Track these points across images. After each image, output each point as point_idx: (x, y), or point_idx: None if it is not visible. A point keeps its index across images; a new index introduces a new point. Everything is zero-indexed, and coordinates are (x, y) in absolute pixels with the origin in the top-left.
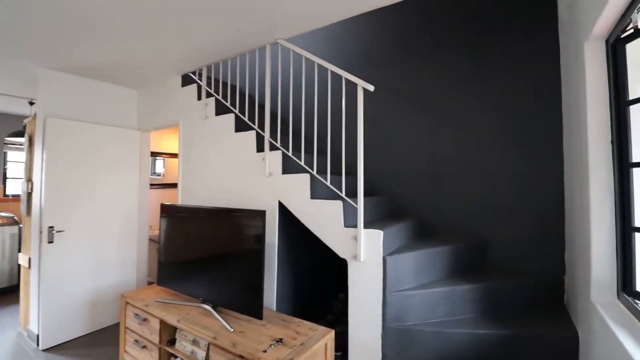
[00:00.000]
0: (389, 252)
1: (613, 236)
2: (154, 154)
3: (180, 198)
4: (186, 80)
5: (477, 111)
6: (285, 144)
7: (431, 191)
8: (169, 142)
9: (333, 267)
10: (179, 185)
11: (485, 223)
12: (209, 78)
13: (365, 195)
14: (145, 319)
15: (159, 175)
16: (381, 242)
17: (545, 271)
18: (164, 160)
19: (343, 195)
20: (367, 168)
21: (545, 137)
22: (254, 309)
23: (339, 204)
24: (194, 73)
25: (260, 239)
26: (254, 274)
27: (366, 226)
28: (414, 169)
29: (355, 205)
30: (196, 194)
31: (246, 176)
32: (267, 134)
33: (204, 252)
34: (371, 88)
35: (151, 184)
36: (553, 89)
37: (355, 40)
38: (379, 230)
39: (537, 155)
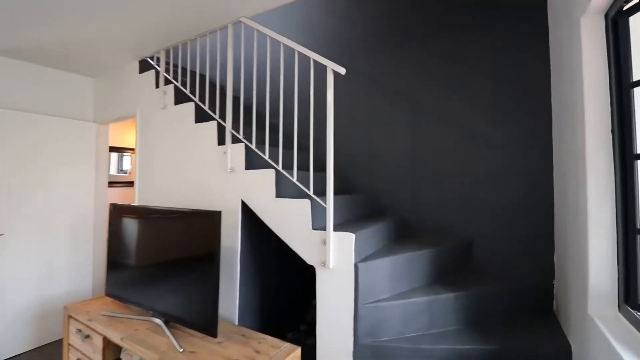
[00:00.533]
0: (363, 258)
1: (614, 239)
2: (120, 150)
3: (137, 198)
4: (144, 66)
5: (459, 102)
6: (249, 136)
7: (412, 188)
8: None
9: (307, 271)
10: (136, 184)
11: (470, 222)
12: (168, 64)
13: (339, 193)
14: (87, 336)
15: (126, 173)
16: (353, 246)
17: (533, 274)
18: (131, 156)
19: (311, 193)
20: (343, 164)
21: (532, 129)
22: (208, 325)
23: (306, 203)
24: (152, 58)
25: (215, 244)
26: (208, 285)
27: (337, 228)
28: (394, 164)
29: (324, 205)
30: (154, 192)
31: (207, 172)
32: (228, 125)
33: (156, 259)
34: (342, 71)
35: (116, 182)
36: (541, 76)
37: (331, 28)
38: (351, 233)
39: (524, 149)
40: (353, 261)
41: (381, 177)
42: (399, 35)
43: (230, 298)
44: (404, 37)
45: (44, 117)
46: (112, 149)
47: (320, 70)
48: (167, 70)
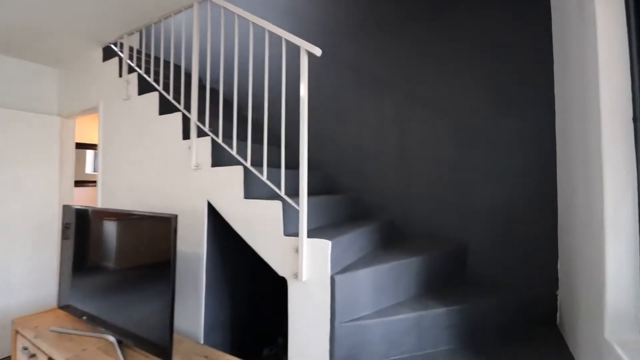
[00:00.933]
0: (341, 268)
1: (636, 247)
2: (94, 147)
3: (100, 199)
4: (108, 53)
5: (452, 93)
6: (216, 129)
7: (401, 188)
8: None
9: (284, 282)
10: (98, 183)
11: (464, 226)
12: (132, 50)
13: (321, 193)
14: (33, 355)
15: None
16: (329, 255)
17: (534, 284)
18: None
19: (282, 193)
20: (327, 161)
21: (533, 122)
22: (161, 346)
23: (277, 205)
24: (116, 45)
25: (170, 252)
26: (163, 299)
27: (313, 234)
28: (382, 161)
29: (297, 207)
30: (117, 193)
31: (171, 170)
32: (193, 116)
33: (110, 268)
34: (318, 52)
35: (88, 181)
36: (543, 62)
37: (314, 12)
38: (327, 240)
39: (523, 144)
40: (329, 273)
41: (368, 175)
42: (386, 18)
43: (195, 312)
44: (391, 21)
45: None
46: (88, 146)
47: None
48: (131, 58)
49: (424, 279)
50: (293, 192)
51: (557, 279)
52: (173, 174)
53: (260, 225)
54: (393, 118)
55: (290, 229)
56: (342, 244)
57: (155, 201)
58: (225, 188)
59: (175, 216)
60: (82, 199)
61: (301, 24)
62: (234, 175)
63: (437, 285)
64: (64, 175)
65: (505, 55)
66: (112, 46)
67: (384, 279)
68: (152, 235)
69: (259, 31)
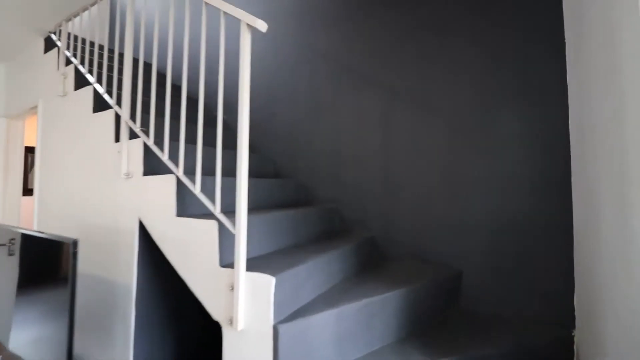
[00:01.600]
0: (292, 312)
1: None
2: None
3: (36, 214)
4: (49, 44)
5: (444, 87)
6: (160, 128)
7: (384, 200)
8: None
9: None
10: (35, 195)
11: (459, 246)
12: (77, 40)
13: (292, 205)
14: None
15: None
16: (272, 296)
17: (544, 321)
18: None
19: (217, 210)
20: (302, 168)
21: (541, 119)
22: None
23: (212, 226)
24: (56, 34)
25: (69, 284)
26: (58, 340)
27: (262, 263)
28: (362, 168)
29: (233, 231)
30: (53, 206)
31: (102, 179)
32: (124, 112)
33: (7, 301)
34: (262, 26)
35: None
36: (551, 43)
37: None
38: (268, 276)
39: (529, 147)
40: (271, 321)
41: (347, 184)
42: (368, 3)
43: (123, 352)
44: (374, 7)
45: None
46: None
47: (261, 37)
48: (75, 48)
49: (407, 317)
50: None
51: (573, 317)
52: (104, 184)
53: (192, 251)
54: (375, 118)
55: (231, 258)
56: (297, 278)
57: (90, 217)
58: (155, 202)
59: (74, 241)
60: (31, 209)
61: (273, 10)
62: (165, 187)
63: (424, 325)
64: (11, 182)
65: (504, 40)
66: (53, 35)
67: (351, 323)
68: (53, 262)
69: (211, 11)
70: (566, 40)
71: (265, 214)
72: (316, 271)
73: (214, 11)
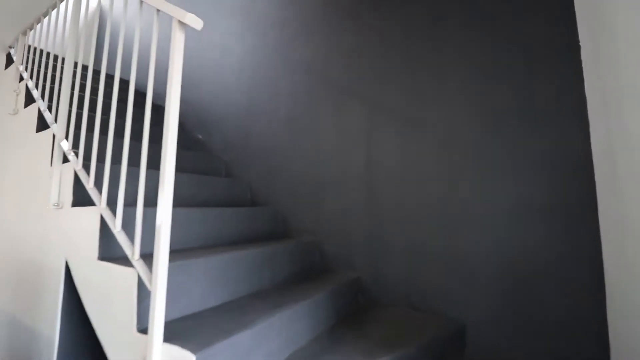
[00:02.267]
0: None
1: None
2: None
3: None
4: (10, 59)
5: (438, 101)
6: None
7: (371, 231)
8: None
9: None
10: None
11: (460, 292)
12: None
13: (263, 239)
14: None
15: None
16: None
17: None
18: None
19: (135, 256)
20: (279, 195)
21: (558, 136)
22: None
23: (130, 275)
24: (13, 47)
25: None
26: None
27: (190, 327)
28: (345, 194)
29: (149, 287)
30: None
31: (33, 208)
32: (58, 131)
33: None
34: (196, 23)
35: None
36: (565, 52)
37: (267, 9)
38: (189, 354)
39: (545, 171)
40: None
41: (328, 213)
42: (350, 9)
43: None
44: (357, 12)
45: None
46: None
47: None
48: (34, 62)
49: None
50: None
51: None
52: (34, 214)
53: (111, 306)
54: (359, 136)
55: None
56: (237, 349)
57: (17, 250)
58: (80, 239)
59: None
60: None
61: (253, 22)
62: (89, 221)
63: None
64: None
65: (504, 48)
66: (11, 50)
67: None
68: None
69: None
70: (581, 43)
71: (220, 255)
72: (271, 335)
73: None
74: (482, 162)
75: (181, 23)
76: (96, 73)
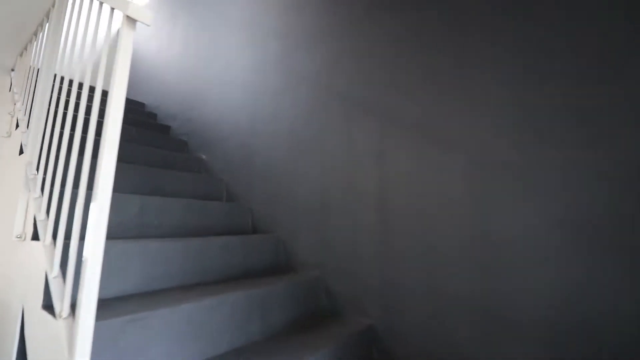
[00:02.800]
0: None
1: None
2: None
3: None
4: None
5: (466, 111)
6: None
7: (385, 269)
8: None
9: None
10: None
11: (496, 346)
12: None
13: (265, 274)
14: None
15: None
16: None
17: None
18: None
19: (63, 313)
20: (282, 222)
21: (617, 149)
22: None
23: (59, 330)
24: (14, 69)
25: None
26: None
27: None
28: (354, 223)
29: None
30: None
31: (4, 239)
32: (27, 152)
33: None
34: (144, 17)
35: None
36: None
37: (269, 19)
38: None
39: (599, 185)
40: None
41: (336, 245)
42: (360, 11)
43: None
44: (366, 13)
45: None
46: None
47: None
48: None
49: None
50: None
51: None
52: (3, 247)
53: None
54: (370, 154)
55: None
56: None
57: None
58: (32, 280)
59: None
60: None
61: (255, 34)
62: (38, 260)
63: None
64: None
65: (547, 44)
66: (12, 72)
67: None
68: None
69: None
70: None
71: (195, 302)
72: None
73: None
74: (521, 182)
75: (129, 18)
76: (91, 89)
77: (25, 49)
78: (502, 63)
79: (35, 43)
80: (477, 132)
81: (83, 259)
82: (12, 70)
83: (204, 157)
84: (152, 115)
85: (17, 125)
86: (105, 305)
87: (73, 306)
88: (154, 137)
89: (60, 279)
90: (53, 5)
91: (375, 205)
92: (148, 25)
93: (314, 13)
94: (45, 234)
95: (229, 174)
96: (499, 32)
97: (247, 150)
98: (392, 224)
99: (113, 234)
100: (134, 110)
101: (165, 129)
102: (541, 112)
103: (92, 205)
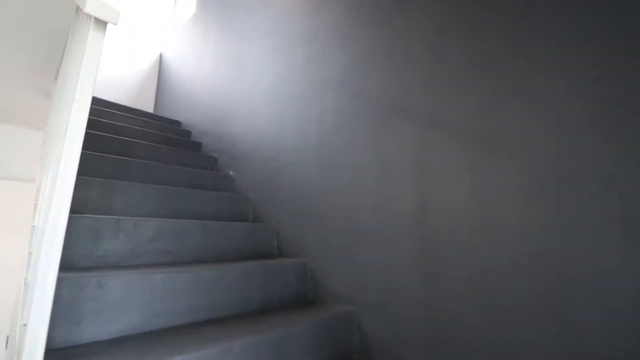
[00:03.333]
0: None
1: None
2: None
3: None
4: None
5: (527, 111)
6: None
7: (430, 311)
8: None
9: None
10: None
11: None
12: None
13: (286, 307)
14: None
15: None
16: None
17: None
18: None
19: None
20: (310, 246)
21: None
22: None
23: None
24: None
25: None
26: None
27: None
28: (390, 249)
29: None
30: None
31: None
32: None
33: None
34: (111, 16)
35: None
36: None
37: (293, 24)
38: None
39: None
40: None
41: (368, 275)
42: (390, 3)
43: None
44: (397, 10)
45: None
46: None
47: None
48: None
49: None
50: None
51: None
52: None
53: None
54: (407, 166)
55: None
56: None
57: None
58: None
59: None
60: None
61: (279, 43)
62: None
63: None
64: None
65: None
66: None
67: None
68: None
69: None
70: None
71: (193, 353)
72: None
73: None
74: (618, 199)
75: (97, 20)
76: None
77: (58, 71)
78: (576, 48)
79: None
80: (548, 129)
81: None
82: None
83: (231, 173)
84: (187, 133)
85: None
86: (95, 352)
87: None
88: (184, 155)
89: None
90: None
91: (415, 228)
92: (114, 24)
93: (340, 12)
94: None
95: (256, 192)
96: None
97: (272, 165)
98: (436, 248)
99: (120, 263)
100: (169, 129)
101: (197, 146)
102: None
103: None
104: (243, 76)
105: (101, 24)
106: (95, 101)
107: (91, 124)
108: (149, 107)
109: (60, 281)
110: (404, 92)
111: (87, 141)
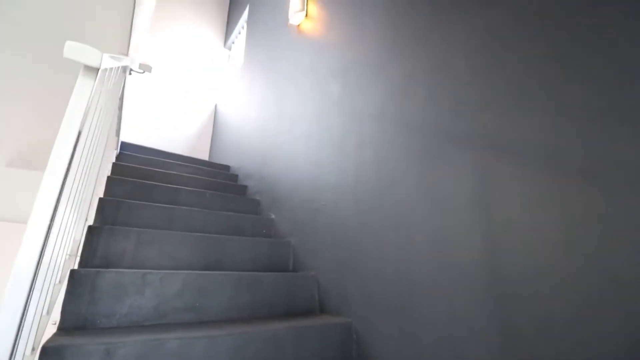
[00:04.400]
0: None
1: None
2: None
3: None
4: None
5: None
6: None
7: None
8: None
9: None
10: None
11: None
12: None
13: None
14: None
15: None
16: None
17: None
18: None
19: None
20: (353, 299)
21: None
22: None
23: None
24: None
25: None
26: None
27: None
28: (450, 306)
29: None
30: None
31: None
32: None
33: None
34: (92, 58)
35: None
36: None
37: (328, 58)
38: None
39: None
40: None
41: (427, 340)
42: (431, 14)
43: None
44: (437, 16)
45: None
46: None
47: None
48: None
49: None
50: None
51: None
52: None
53: None
54: (465, 205)
55: None
56: None
57: None
58: None
59: None
60: None
61: (316, 79)
62: None
63: None
64: None
65: None
66: None
67: None
68: None
69: None
70: None
71: None
72: None
73: None
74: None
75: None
76: None
77: None
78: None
79: None
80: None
81: None
82: None
83: (273, 216)
84: (234, 177)
85: None
86: None
87: None
88: (228, 200)
89: None
90: None
91: (483, 283)
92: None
93: (373, 42)
94: None
95: (296, 236)
96: None
97: (311, 206)
98: (512, 309)
99: (143, 322)
100: (218, 174)
101: (243, 189)
102: None
103: None
104: (284, 116)
105: (91, 69)
106: (154, 152)
107: (145, 174)
108: (204, 155)
109: (63, 349)
110: (453, 114)
111: (138, 191)
